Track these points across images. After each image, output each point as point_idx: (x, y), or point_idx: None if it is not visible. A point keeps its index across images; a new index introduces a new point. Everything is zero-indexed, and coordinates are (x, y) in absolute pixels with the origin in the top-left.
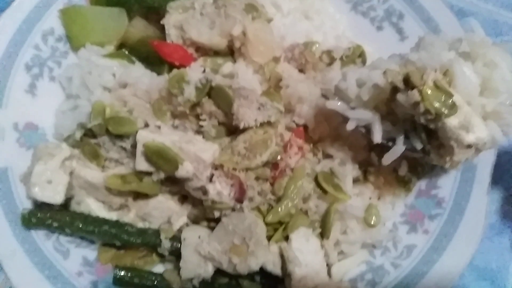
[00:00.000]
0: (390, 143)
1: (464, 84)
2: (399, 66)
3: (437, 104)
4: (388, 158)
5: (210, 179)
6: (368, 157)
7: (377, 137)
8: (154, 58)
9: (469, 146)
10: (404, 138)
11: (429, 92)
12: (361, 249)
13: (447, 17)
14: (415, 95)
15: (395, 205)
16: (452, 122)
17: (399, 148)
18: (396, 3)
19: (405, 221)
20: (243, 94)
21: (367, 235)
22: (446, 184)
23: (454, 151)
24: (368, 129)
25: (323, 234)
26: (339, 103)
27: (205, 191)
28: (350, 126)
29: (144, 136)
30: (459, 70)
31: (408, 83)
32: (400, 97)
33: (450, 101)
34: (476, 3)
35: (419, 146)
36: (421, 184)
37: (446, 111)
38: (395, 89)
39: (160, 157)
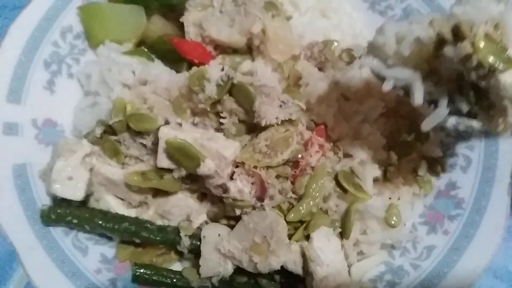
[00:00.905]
0: (431, 106)
1: None
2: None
3: (491, 58)
4: (430, 123)
5: (231, 177)
6: (387, 157)
7: (419, 98)
8: (173, 55)
9: None
10: (448, 101)
11: (481, 44)
12: (380, 249)
13: None
14: (466, 47)
15: (414, 206)
16: (506, 78)
17: (442, 111)
18: (414, 2)
19: (424, 222)
20: (265, 91)
21: (387, 235)
22: (466, 185)
23: (507, 111)
24: (406, 90)
25: (343, 234)
26: (374, 61)
27: (226, 189)
28: (386, 86)
29: (166, 133)
30: None
31: (457, 34)
32: (447, 50)
33: (505, 55)
34: None
35: (465, 108)
36: (440, 184)
37: (500, 66)
38: (441, 42)
39: (182, 154)
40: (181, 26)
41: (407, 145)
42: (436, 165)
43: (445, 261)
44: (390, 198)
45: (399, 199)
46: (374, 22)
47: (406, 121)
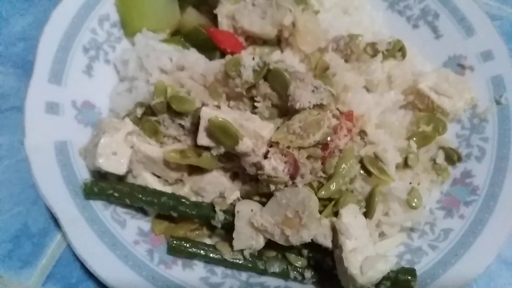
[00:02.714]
0: None
1: None
2: None
3: None
4: None
5: (265, 156)
6: (407, 146)
7: None
8: (207, 44)
9: None
10: None
11: None
12: (400, 232)
13: (481, 18)
14: None
15: (431, 192)
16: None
17: None
18: (431, 3)
19: (441, 207)
20: (299, 77)
21: (408, 217)
22: (481, 173)
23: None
24: None
25: (367, 215)
26: None
27: (260, 167)
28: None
29: (208, 113)
30: None
31: None
32: None
33: None
34: (502, 8)
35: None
36: (456, 173)
37: None
38: None
39: (222, 132)
40: (213, 18)
41: (426, 136)
42: (453, 155)
43: (462, 242)
44: (410, 183)
45: (418, 184)
46: (392, 21)
47: (424, 113)
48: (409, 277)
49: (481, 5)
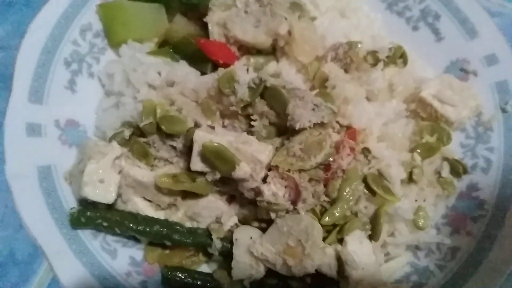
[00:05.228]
0: None
1: None
2: None
3: None
4: None
5: (264, 180)
6: (411, 159)
7: None
8: (197, 56)
9: None
10: None
11: None
12: (405, 251)
13: (484, 19)
14: None
15: (437, 207)
16: None
17: None
18: (432, 4)
19: (447, 223)
20: (299, 94)
21: (414, 237)
22: (487, 186)
23: None
24: None
25: (373, 237)
26: None
27: (259, 192)
28: None
29: (201, 136)
30: None
31: None
32: None
33: None
34: (503, 4)
35: None
36: (462, 186)
37: None
38: None
39: (217, 158)
40: (202, 26)
41: (430, 147)
42: (458, 167)
43: (470, 261)
44: (416, 200)
45: (424, 200)
46: (391, 22)
47: (427, 122)
48: None
49: (482, 2)
